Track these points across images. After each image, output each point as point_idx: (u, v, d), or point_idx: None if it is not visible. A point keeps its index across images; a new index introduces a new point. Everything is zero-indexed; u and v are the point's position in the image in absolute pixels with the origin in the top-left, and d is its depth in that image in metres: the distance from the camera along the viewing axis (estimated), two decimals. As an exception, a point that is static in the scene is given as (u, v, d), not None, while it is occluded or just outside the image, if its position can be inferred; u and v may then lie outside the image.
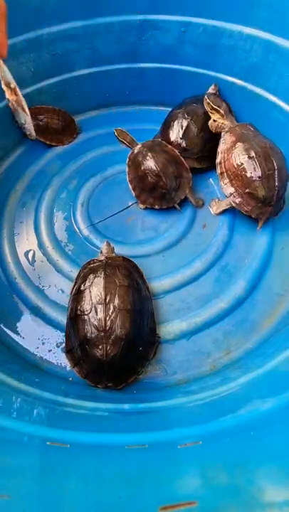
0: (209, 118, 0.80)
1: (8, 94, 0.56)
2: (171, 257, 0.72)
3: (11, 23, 0.77)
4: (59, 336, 0.63)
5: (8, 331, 0.64)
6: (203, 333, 0.63)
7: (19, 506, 0.25)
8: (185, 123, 0.80)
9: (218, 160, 0.75)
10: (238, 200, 0.71)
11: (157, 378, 0.58)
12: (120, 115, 1.00)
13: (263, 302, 0.66)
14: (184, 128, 0.80)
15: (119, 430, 0.41)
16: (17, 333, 0.64)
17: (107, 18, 0.85)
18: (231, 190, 0.72)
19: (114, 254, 0.67)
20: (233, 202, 0.72)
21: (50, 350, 0.62)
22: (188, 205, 0.79)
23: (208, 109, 0.78)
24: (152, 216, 0.78)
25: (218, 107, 0.76)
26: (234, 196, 0.72)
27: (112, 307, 0.53)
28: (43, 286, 0.69)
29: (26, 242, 0.75)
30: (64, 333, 0.63)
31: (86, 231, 0.76)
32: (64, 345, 0.60)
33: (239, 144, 0.71)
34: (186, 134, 0.81)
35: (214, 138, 0.80)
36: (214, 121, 0.78)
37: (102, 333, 0.52)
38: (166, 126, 0.84)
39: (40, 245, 0.74)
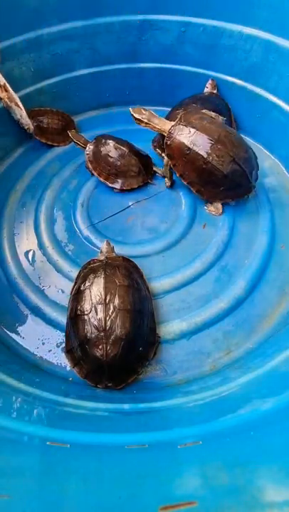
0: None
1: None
2: (171, 257, 0.72)
3: (11, 23, 0.77)
4: (59, 336, 0.63)
5: (8, 331, 0.64)
6: (203, 333, 0.63)
7: (19, 506, 0.25)
8: None
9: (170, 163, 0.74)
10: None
11: (157, 378, 0.58)
12: (120, 115, 1.00)
13: (263, 302, 0.66)
14: None
15: (119, 430, 0.41)
16: (17, 333, 0.64)
17: (107, 18, 0.85)
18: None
19: (114, 254, 0.67)
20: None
21: (50, 350, 0.62)
22: (188, 206, 0.79)
23: (133, 119, 0.75)
24: (152, 216, 0.78)
25: (140, 114, 0.73)
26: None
27: (112, 307, 0.53)
28: (43, 286, 0.69)
29: (26, 242, 0.75)
30: (64, 333, 0.63)
31: (86, 231, 0.76)
32: (64, 345, 0.60)
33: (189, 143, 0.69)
34: None
35: None
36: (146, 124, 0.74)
37: (102, 333, 0.52)
38: None
39: (40, 245, 0.74)
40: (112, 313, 0.53)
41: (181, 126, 0.69)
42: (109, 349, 0.51)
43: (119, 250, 0.72)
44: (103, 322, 0.52)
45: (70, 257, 0.73)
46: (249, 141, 0.92)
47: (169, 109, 0.88)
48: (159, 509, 0.24)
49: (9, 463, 0.30)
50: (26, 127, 0.69)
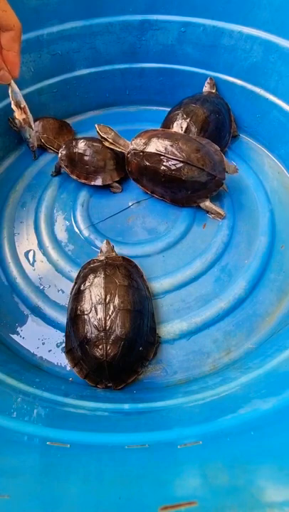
0: (209, 118, 0.80)
1: (17, 115, 0.57)
2: (171, 257, 0.72)
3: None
4: (59, 336, 0.63)
5: (8, 331, 0.64)
6: (203, 333, 0.63)
7: (19, 506, 0.25)
8: (185, 124, 0.80)
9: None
10: None
11: (157, 378, 0.58)
12: (120, 115, 1.00)
13: (263, 302, 0.66)
14: (183, 129, 0.80)
15: (119, 430, 0.41)
16: (17, 333, 0.64)
17: (107, 18, 0.85)
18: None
19: (114, 254, 0.67)
20: None
21: (50, 351, 0.62)
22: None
23: (99, 137, 0.78)
24: (152, 216, 0.78)
25: (106, 133, 0.76)
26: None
27: (112, 307, 0.54)
28: (43, 287, 0.69)
29: (26, 242, 0.75)
30: (64, 334, 0.63)
31: (86, 231, 0.76)
32: (64, 345, 0.60)
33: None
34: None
35: (215, 138, 0.80)
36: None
37: (102, 333, 0.52)
38: (166, 127, 0.84)
39: (40, 245, 0.74)
40: (112, 313, 0.53)
41: (136, 148, 0.74)
42: (109, 349, 0.51)
43: (120, 250, 0.72)
44: (103, 322, 0.52)
45: (70, 257, 0.73)
46: (249, 140, 0.92)
47: (169, 109, 0.88)
48: (159, 509, 0.24)
49: (9, 463, 0.30)
50: (31, 145, 0.72)
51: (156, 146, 0.71)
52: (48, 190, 0.83)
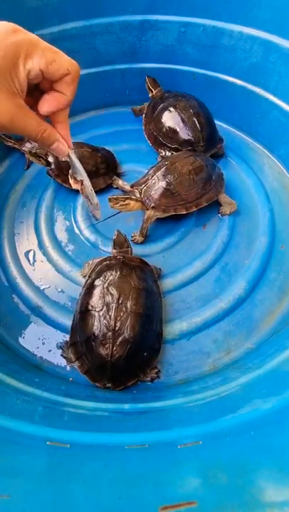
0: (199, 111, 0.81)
1: (72, 183, 0.49)
2: (171, 257, 0.72)
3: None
4: (59, 336, 0.63)
5: (9, 331, 0.64)
6: (203, 333, 0.63)
7: (19, 506, 0.25)
8: (187, 116, 0.80)
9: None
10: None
11: (157, 378, 0.58)
12: (120, 115, 1.00)
13: (263, 302, 0.66)
14: (195, 124, 0.80)
15: (119, 430, 0.41)
16: (17, 333, 0.64)
17: (107, 19, 0.85)
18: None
19: (129, 250, 0.66)
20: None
21: (50, 351, 0.62)
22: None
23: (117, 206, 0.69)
24: (152, 216, 0.78)
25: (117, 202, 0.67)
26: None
27: (124, 308, 0.53)
28: (43, 287, 0.69)
29: (26, 242, 0.75)
30: (64, 334, 0.63)
31: (86, 231, 0.76)
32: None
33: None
34: (196, 128, 0.80)
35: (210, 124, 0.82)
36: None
37: (110, 333, 0.52)
38: (172, 129, 0.82)
39: (41, 245, 0.74)
40: (124, 314, 0.53)
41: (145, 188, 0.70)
42: (115, 350, 0.51)
43: (120, 250, 0.72)
44: (113, 322, 0.52)
45: (70, 257, 0.73)
46: (249, 141, 0.92)
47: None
48: (159, 509, 0.24)
49: (9, 462, 0.30)
50: (93, 215, 0.63)
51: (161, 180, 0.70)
52: (48, 191, 0.83)
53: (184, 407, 0.48)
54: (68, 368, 0.59)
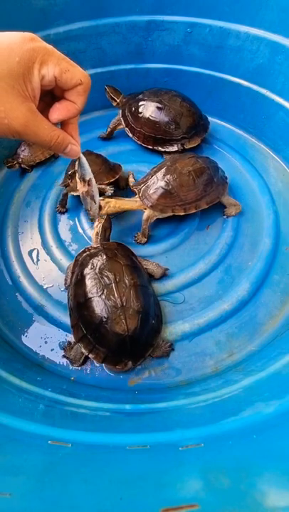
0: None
1: (79, 186, 0.51)
2: (174, 258, 0.72)
3: (17, 24, 0.78)
4: (62, 335, 0.63)
5: (11, 330, 0.64)
6: (205, 335, 0.63)
7: (20, 505, 0.25)
8: (180, 105, 0.82)
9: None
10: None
11: (159, 379, 0.58)
12: (125, 115, 1.00)
13: (267, 304, 0.65)
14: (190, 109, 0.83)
15: (120, 431, 0.41)
16: (20, 332, 0.64)
17: (113, 19, 0.85)
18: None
19: (106, 234, 0.68)
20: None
21: (52, 349, 0.62)
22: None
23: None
24: (156, 217, 0.78)
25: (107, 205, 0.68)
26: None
27: (123, 284, 0.56)
28: (46, 286, 0.69)
29: (30, 241, 0.76)
30: (67, 333, 0.63)
31: (90, 231, 0.76)
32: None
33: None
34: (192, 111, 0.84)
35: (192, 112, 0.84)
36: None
37: (120, 311, 0.53)
38: (172, 120, 0.83)
39: (44, 244, 0.75)
40: (125, 289, 0.55)
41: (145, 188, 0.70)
42: (130, 323, 0.53)
43: (123, 250, 0.72)
44: (119, 299, 0.54)
45: (74, 256, 0.73)
46: (254, 142, 0.91)
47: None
48: (160, 511, 0.24)
49: (11, 461, 0.30)
50: (90, 218, 0.64)
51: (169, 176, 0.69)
52: (53, 190, 0.83)
53: (186, 408, 0.48)
54: (70, 367, 0.60)
